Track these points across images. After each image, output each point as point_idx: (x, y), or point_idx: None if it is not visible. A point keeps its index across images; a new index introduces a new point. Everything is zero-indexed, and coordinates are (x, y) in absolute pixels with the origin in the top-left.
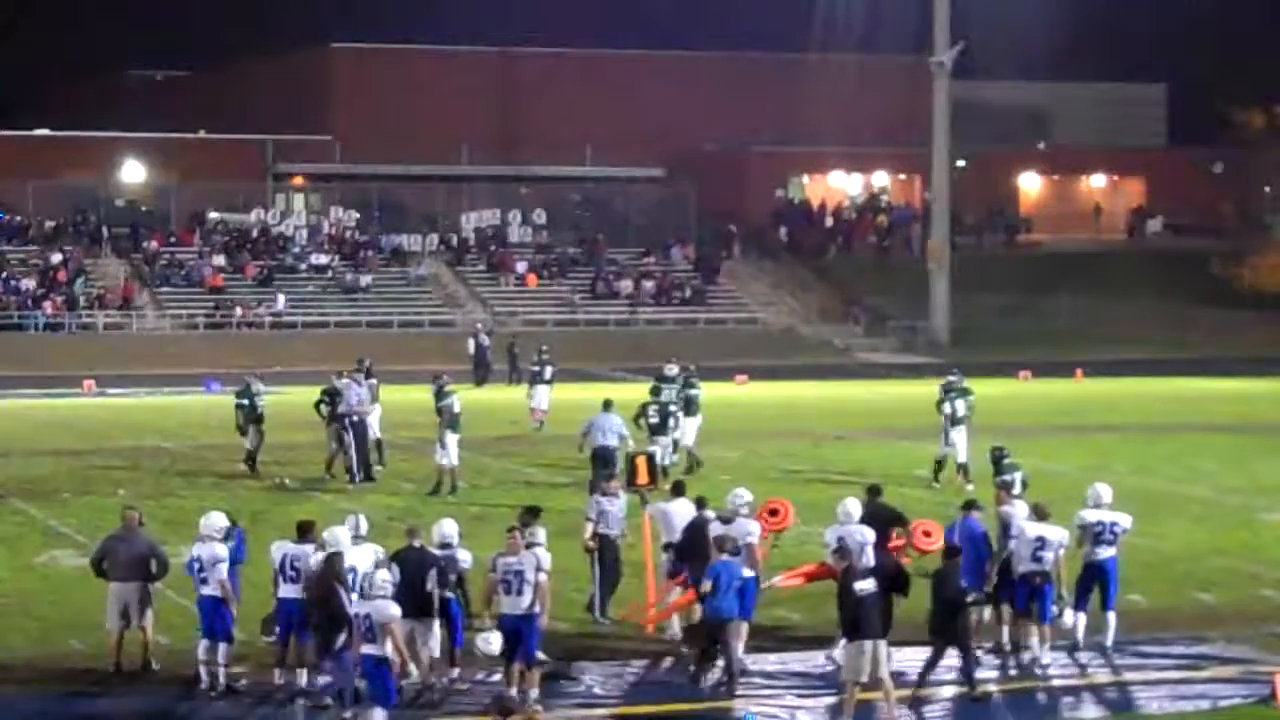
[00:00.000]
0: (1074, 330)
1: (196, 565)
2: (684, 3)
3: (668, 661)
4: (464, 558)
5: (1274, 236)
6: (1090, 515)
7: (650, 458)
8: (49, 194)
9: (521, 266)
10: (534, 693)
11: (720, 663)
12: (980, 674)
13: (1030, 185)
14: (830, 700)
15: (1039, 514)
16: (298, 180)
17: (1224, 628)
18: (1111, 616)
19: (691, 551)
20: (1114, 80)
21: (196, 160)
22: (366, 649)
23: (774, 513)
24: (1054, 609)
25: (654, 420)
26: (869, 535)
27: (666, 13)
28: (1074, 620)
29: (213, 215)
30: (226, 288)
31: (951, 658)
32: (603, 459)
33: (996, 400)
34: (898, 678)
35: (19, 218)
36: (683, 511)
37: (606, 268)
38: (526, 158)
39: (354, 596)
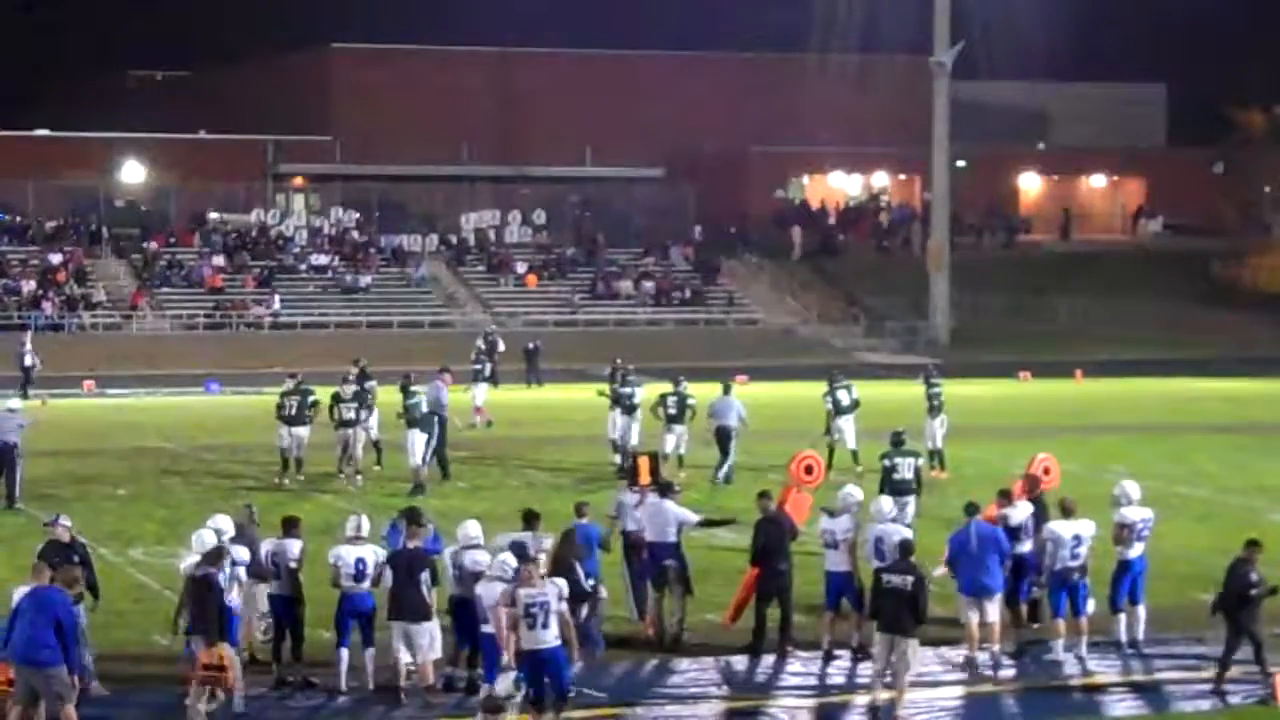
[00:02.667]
0: (1074, 330)
1: None
2: (683, 3)
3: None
4: (484, 559)
5: (1274, 236)
6: (1132, 514)
7: (653, 457)
8: (49, 194)
9: (521, 267)
10: None
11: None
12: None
13: (1030, 185)
14: (825, 701)
15: (1066, 511)
16: (298, 181)
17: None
18: (1142, 610)
19: (765, 549)
20: (1114, 80)
21: (197, 161)
22: (486, 629)
23: (809, 470)
24: (1089, 602)
25: (672, 411)
26: (906, 534)
27: (666, 13)
28: (1116, 618)
29: (213, 216)
30: (226, 288)
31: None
32: (722, 438)
33: (996, 401)
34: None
35: (19, 218)
36: (668, 512)
37: (606, 268)
38: (526, 158)
39: (366, 586)
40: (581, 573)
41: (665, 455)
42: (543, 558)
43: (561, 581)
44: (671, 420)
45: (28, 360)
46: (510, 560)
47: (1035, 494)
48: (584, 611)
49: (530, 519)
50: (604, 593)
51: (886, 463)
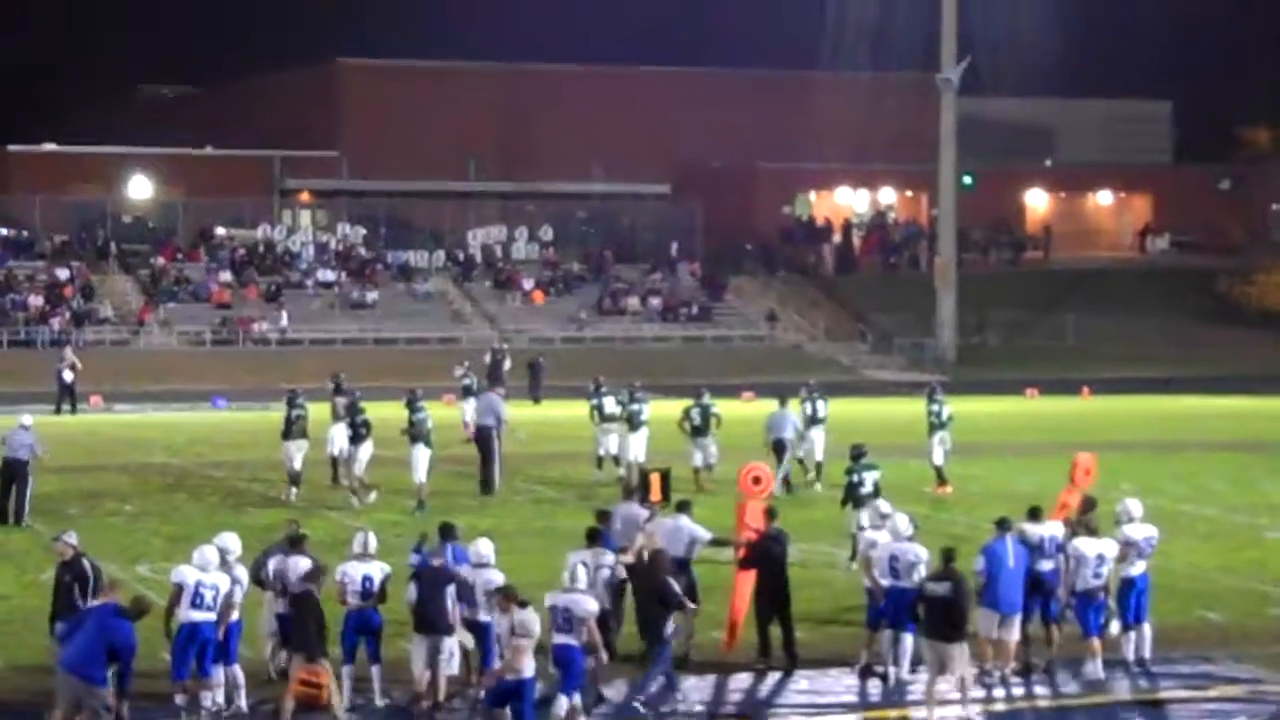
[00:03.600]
0: (1081, 348)
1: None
2: (690, 18)
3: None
4: (497, 578)
5: None
6: (1135, 532)
7: (664, 475)
8: (57, 209)
9: (528, 283)
10: None
11: None
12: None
13: (1037, 202)
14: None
15: (1090, 529)
16: (305, 196)
17: (1231, 647)
18: (1148, 628)
19: (765, 566)
20: (1121, 97)
21: (204, 176)
22: (559, 639)
23: (757, 480)
24: (1112, 622)
25: (696, 423)
26: (922, 554)
27: (672, 28)
28: (1125, 636)
29: (220, 231)
30: (233, 304)
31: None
32: (778, 450)
33: (1003, 418)
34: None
35: (26, 233)
36: (681, 528)
37: (613, 284)
38: (533, 174)
39: (373, 603)
40: (675, 586)
41: (696, 469)
42: (604, 572)
43: (528, 615)
44: (696, 433)
45: (67, 376)
46: (585, 574)
47: (1088, 514)
48: (670, 626)
49: (593, 536)
50: (691, 606)
51: (854, 478)
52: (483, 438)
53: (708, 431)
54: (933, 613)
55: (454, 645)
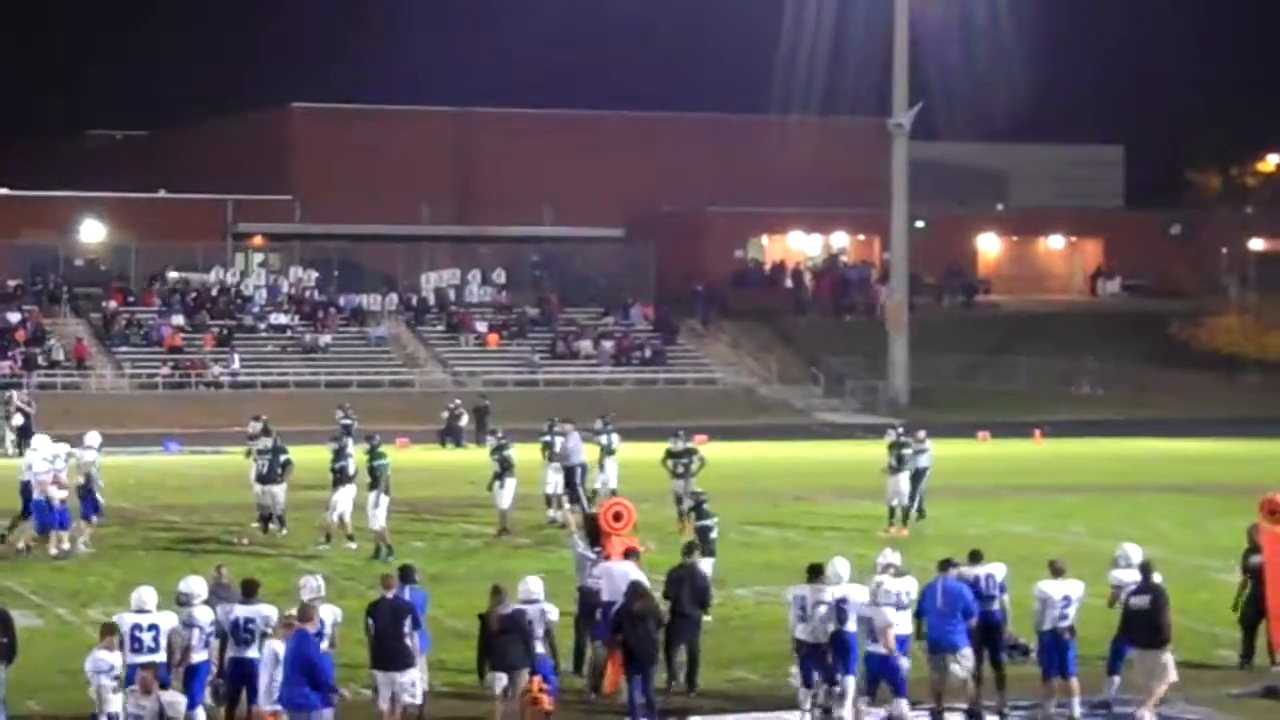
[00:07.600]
0: (1032, 391)
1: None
2: (644, 63)
3: None
4: (551, 611)
5: (1230, 298)
6: (1125, 575)
7: (591, 518)
8: (8, 254)
9: (481, 326)
10: None
11: None
12: None
13: (988, 246)
14: None
15: (1056, 571)
16: (257, 240)
17: (1182, 688)
18: (1117, 679)
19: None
20: (1072, 142)
21: (156, 220)
22: (871, 648)
23: (618, 516)
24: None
25: (693, 466)
26: (863, 595)
27: (626, 73)
28: (1110, 680)
29: (172, 275)
30: (185, 347)
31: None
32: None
33: (955, 460)
34: None
35: None
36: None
37: (566, 327)
38: (486, 217)
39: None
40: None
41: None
42: (821, 609)
43: (175, 696)
44: (678, 476)
45: (17, 420)
46: (891, 589)
47: None
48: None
49: (814, 572)
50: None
51: (697, 525)
52: (570, 479)
53: (689, 473)
54: (1138, 624)
55: (415, 676)
